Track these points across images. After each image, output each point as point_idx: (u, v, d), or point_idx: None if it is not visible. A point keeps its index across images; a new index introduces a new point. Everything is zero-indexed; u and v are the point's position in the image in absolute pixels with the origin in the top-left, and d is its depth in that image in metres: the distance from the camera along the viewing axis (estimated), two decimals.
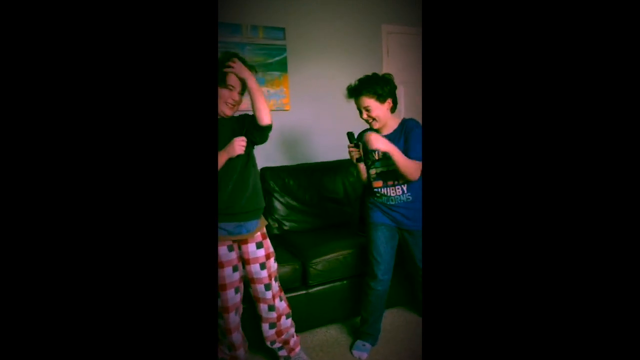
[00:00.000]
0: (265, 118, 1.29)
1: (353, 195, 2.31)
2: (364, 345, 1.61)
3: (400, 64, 2.86)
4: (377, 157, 1.53)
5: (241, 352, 1.41)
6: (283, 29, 2.44)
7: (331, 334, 1.77)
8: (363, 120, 1.56)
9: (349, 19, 2.66)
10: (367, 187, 1.65)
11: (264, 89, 2.38)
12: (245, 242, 1.37)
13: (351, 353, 1.60)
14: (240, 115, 1.41)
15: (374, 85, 1.48)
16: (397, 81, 3.04)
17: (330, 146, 2.66)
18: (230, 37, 2.29)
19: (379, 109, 1.50)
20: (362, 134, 1.65)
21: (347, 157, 2.72)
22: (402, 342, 1.68)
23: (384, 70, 2.80)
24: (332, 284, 1.78)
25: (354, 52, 2.69)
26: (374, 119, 1.50)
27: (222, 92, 1.30)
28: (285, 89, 2.47)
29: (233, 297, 1.34)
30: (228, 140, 1.29)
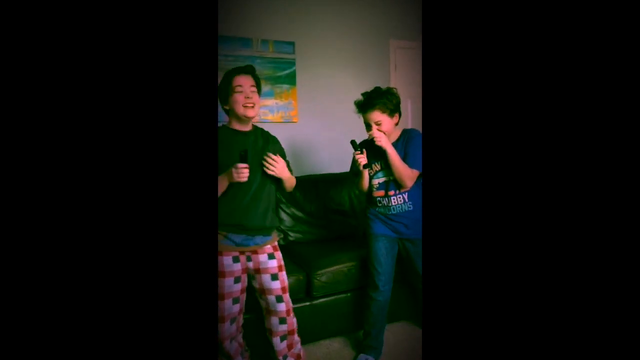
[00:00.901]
0: (290, 188, 1.49)
1: (359, 208, 2.32)
2: (367, 359, 1.60)
3: (408, 78, 2.89)
4: (379, 168, 1.56)
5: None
6: (293, 43, 2.49)
7: (334, 346, 1.76)
8: (368, 134, 1.56)
9: (358, 34, 2.71)
10: (368, 197, 1.66)
11: (273, 101, 2.43)
12: (255, 252, 1.37)
13: None
14: (269, 136, 1.45)
15: (385, 100, 1.51)
16: (403, 96, 3.08)
17: (336, 158, 2.69)
18: (241, 50, 2.34)
19: (388, 124, 1.52)
20: (363, 143, 1.65)
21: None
22: (405, 356, 1.66)
23: (392, 83, 2.83)
24: (336, 296, 1.78)
25: (362, 66, 2.74)
26: (379, 138, 1.49)
27: (235, 97, 1.30)
28: (293, 102, 2.51)
29: (230, 307, 1.33)
30: (255, 154, 1.33)
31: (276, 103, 2.45)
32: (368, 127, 1.54)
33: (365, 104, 1.54)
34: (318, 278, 1.72)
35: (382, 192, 1.57)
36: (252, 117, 1.35)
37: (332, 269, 1.75)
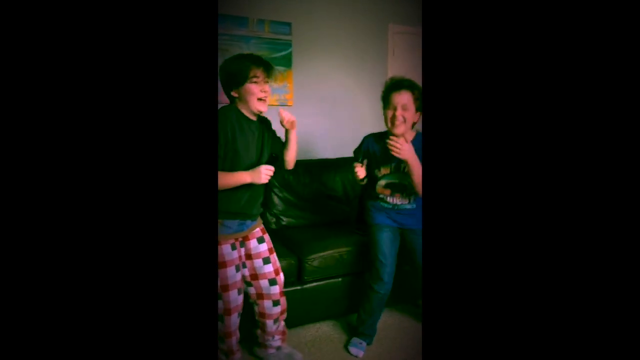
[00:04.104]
0: (292, 165, 1.46)
1: (352, 194, 2.31)
2: (360, 343, 1.61)
3: (406, 64, 2.85)
4: (388, 172, 1.53)
5: (238, 356, 1.38)
6: (289, 24, 2.43)
7: (324, 330, 1.78)
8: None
9: (356, 17, 2.65)
10: (369, 190, 1.64)
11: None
12: (247, 238, 1.36)
13: (347, 350, 1.61)
14: (266, 122, 1.41)
15: (418, 89, 1.45)
16: None
17: (331, 144, 2.67)
18: (236, 30, 2.28)
19: (413, 114, 1.46)
20: (367, 139, 1.62)
21: (347, 155, 2.72)
22: (396, 340, 1.69)
23: (389, 70, 2.79)
24: (327, 281, 1.79)
25: (360, 50, 2.69)
26: (404, 120, 1.43)
27: (251, 88, 1.23)
28: (289, 85, 2.47)
29: (236, 298, 1.29)
30: (255, 143, 1.30)
31: (271, 85, 2.41)
32: (389, 109, 1.47)
33: (397, 84, 1.47)
34: (309, 262, 1.72)
35: (388, 191, 1.55)
36: (263, 113, 1.30)
37: (323, 253, 1.75)
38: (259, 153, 1.35)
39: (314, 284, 1.76)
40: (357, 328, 1.65)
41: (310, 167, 2.27)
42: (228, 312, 1.29)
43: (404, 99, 1.44)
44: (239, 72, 1.23)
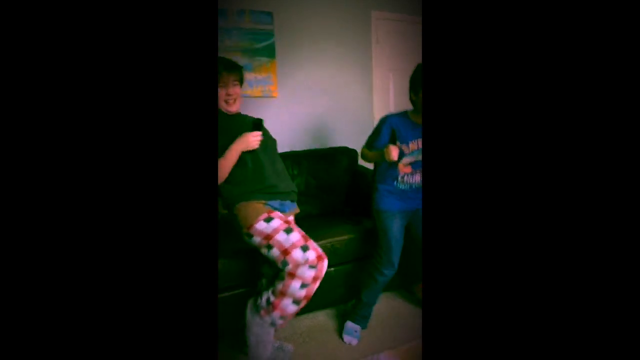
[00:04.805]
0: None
1: (342, 184, 2.31)
2: (355, 331, 1.62)
3: (390, 51, 2.84)
4: (416, 147, 1.49)
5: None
6: (270, 13, 2.38)
7: (319, 319, 1.79)
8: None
9: (338, 4, 2.62)
10: (382, 173, 1.58)
11: (252, 75, 2.35)
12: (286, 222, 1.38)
13: (341, 339, 1.62)
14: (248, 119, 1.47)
15: None
16: (385, 68, 3.02)
17: (317, 134, 2.65)
18: None
19: None
20: (388, 118, 1.54)
21: (335, 144, 2.71)
22: (391, 327, 1.71)
23: (373, 56, 2.78)
24: None
25: (343, 38, 2.66)
26: None
27: (219, 92, 1.36)
28: (272, 75, 2.43)
29: (317, 247, 1.33)
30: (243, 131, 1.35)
31: (255, 77, 2.37)
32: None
33: None
34: None
35: (409, 169, 1.52)
36: (235, 110, 1.40)
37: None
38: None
39: None
40: (355, 311, 1.66)
41: (298, 159, 2.25)
42: (320, 257, 1.30)
43: None
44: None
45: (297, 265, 1.26)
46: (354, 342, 1.59)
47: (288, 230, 1.30)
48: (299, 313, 1.76)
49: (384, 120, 1.54)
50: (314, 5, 2.53)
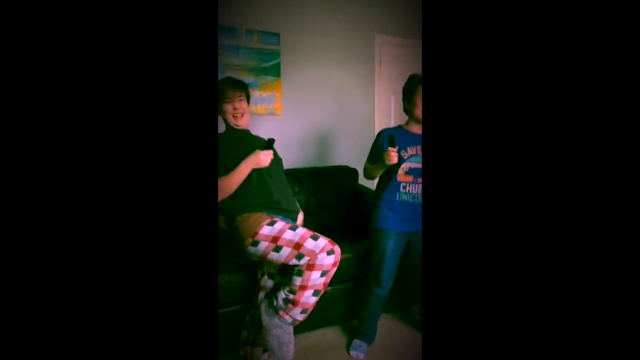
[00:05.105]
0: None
1: (342, 202, 2.32)
2: (360, 345, 1.65)
3: (392, 74, 2.91)
4: (414, 152, 1.52)
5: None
6: (278, 35, 2.46)
7: (329, 335, 1.78)
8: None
9: (344, 28, 2.70)
10: (384, 186, 1.59)
11: (257, 92, 2.40)
12: None
13: (348, 353, 1.64)
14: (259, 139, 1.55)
15: None
16: (387, 91, 3.08)
17: (319, 152, 2.68)
18: (226, 40, 2.29)
19: None
20: (385, 131, 1.61)
21: (335, 163, 2.74)
22: (396, 345, 1.71)
23: (376, 78, 2.84)
24: None
25: (347, 60, 2.73)
26: None
27: (225, 107, 1.43)
28: (277, 94, 2.48)
29: (324, 237, 1.36)
30: (253, 146, 1.41)
31: (260, 95, 2.42)
32: (414, 105, 1.52)
33: None
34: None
35: (410, 178, 1.52)
36: (243, 125, 1.46)
37: None
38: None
39: None
40: (358, 328, 1.70)
41: (299, 176, 2.27)
42: (332, 242, 1.34)
43: None
44: (218, 93, 1.46)
45: (314, 254, 1.27)
46: (360, 356, 1.61)
47: (293, 228, 1.32)
48: (304, 330, 1.76)
49: (380, 134, 1.61)
50: (320, 27, 2.61)
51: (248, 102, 1.49)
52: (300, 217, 1.58)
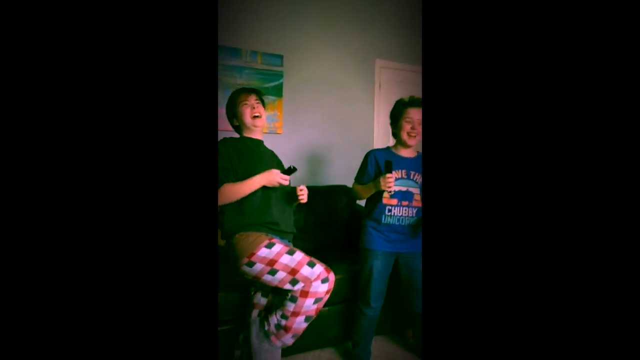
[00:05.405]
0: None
1: (340, 222, 2.33)
2: None
3: (391, 97, 2.97)
4: (399, 176, 1.55)
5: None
6: (281, 56, 2.53)
7: (323, 357, 1.76)
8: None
9: (345, 51, 2.78)
10: (369, 207, 1.63)
11: None
12: None
13: None
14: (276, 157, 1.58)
15: None
16: (387, 113, 3.13)
17: (319, 171, 2.71)
18: (230, 60, 2.36)
19: (421, 129, 1.57)
20: (372, 153, 1.63)
21: (335, 183, 2.76)
22: None
23: (375, 101, 2.91)
24: None
25: (347, 83, 2.80)
26: (415, 136, 1.55)
27: (243, 110, 1.44)
28: (279, 113, 2.53)
29: (320, 263, 1.36)
30: (267, 160, 1.43)
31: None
32: (401, 125, 1.57)
33: (416, 101, 1.58)
34: None
35: (395, 201, 1.55)
36: (260, 126, 1.46)
37: None
38: (274, 167, 1.44)
39: None
40: (352, 351, 1.68)
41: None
42: (328, 270, 1.34)
43: (419, 115, 1.55)
44: (232, 102, 1.47)
45: (309, 281, 1.27)
46: None
47: (291, 252, 1.31)
48: (291, 354, 1.74)
49: (368, 154, 1.64)
50: (322, 51, 2.69)
51: (264, 106, 1.50)
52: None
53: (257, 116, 1.44)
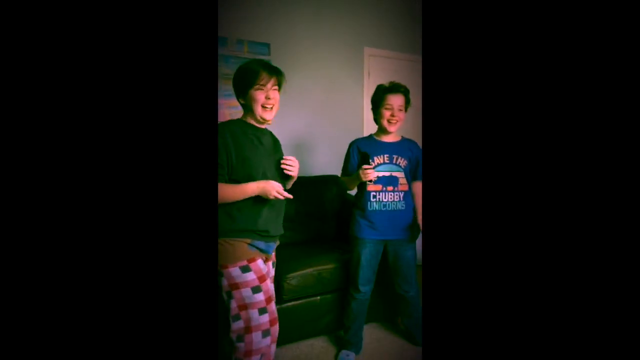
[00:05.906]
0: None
1: (331, 212, 2.34)
2: (348, 355, 1.67)
3: None
4: (382, 161, 1.57)
5: None
6: (268, 45, 2.48)
7: (316, 346, 1.78)
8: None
9: (333, 40, 2.74)
10: (358, 196, 1.66)
11: None
12: (268, 260, 1.33)
13: None
14: (275, 138, 1.39)
15: (409, 94, 1.61)
16: None
17: (309, 162, 2.70)
18: None
19: (403, 114, 1.60)
20: (355, 143, 1.66)
21: (325, 173, 2.75)
22: (383, 354, 1.72)
23: (365, 90, 2.89)
24: (307, 299, 1.79)
25: (336, 71, 2.77)
26: (395, 122, 1.57)
27: (255, 94, 1.20)
28: None
29: (274, 310, 1.25)
30: (267, 151, 1.27)
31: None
32: (382, 110, 1.58)
33: (395, 87, 1.59)
34: (288, 281, 1.72)
35: (379, 187, 1.58)
36: (269, 121, 1.27)
37: (302, 272, 1.76)
38: (276, 163, 1.30)
39: (294, 302, 1.76)
40: (344, 337, 1.73)
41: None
42: (273, 322, 1.23)
43: (399, 101, 1.57)
44: (246, 78, 1.21)
45: (249, 325, 1.18)
46: None
47: (255, 289, 1.20)
48: (283, 343, 1.75)
49: (351, 144, 1.68)
50: (309, 38, 2.65)
51: (280, 92, 1.28)
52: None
53: (268, 107, 1.23)
